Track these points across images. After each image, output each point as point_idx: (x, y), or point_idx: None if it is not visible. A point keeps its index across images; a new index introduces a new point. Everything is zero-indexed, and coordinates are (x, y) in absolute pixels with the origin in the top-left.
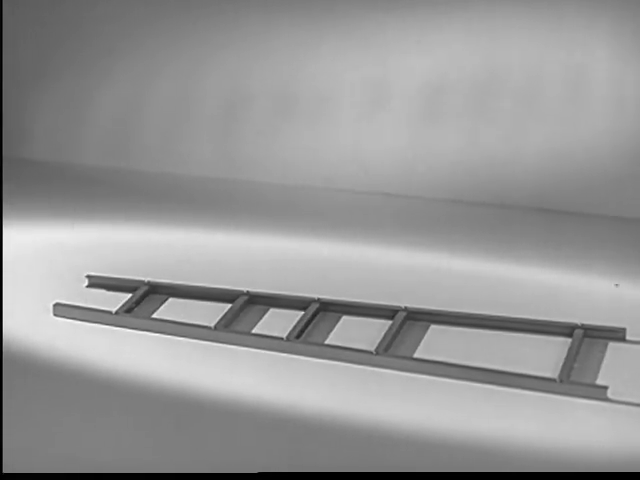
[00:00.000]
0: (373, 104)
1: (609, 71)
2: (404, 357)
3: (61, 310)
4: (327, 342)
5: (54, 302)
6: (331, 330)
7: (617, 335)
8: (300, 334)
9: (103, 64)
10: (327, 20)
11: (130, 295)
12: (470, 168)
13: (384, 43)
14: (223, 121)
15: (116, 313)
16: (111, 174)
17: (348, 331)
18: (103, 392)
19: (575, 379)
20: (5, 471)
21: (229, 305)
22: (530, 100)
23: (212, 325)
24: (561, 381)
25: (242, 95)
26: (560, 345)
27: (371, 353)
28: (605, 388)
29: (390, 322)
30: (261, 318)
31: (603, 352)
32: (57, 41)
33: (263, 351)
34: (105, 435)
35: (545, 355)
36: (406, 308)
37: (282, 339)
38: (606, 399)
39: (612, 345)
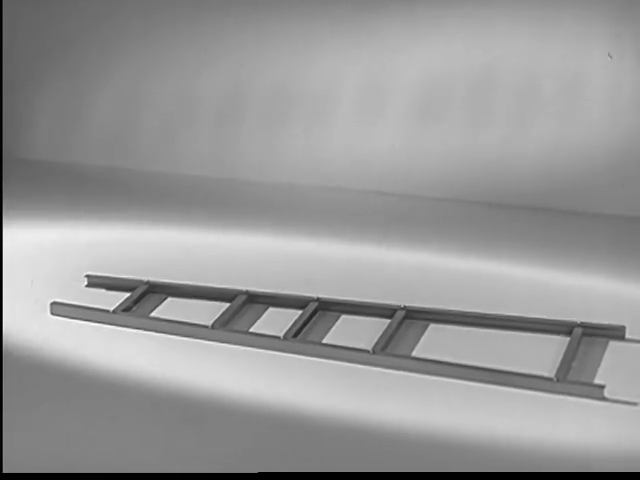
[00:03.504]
0: (371, 104)
1: (607, 72)
2: (402, 356)
3: (58, 309)
4: (325, 341)
5: (51, 301)
6: (329, 329)
7: (616, 333)
8: (297, 333)
9: (102, 66)
10: (325, 20)
11: (129, 294)
12: (468, 168)
13: (382, 43)
14: (222, 121)
15: (114, 312)
16: (111, 174)
17: (347, 330)
18: (102, 392)
19: (572, 378)
20: (5, 471)
21: (228, 304)
22: (528, 100)
23: (209, 324)
24: (558, 380)
25: (241, 95)
26: (560, 344)
27: (368, 352)
28: (602, 387)
29: (389, 321)
30: (260, 317)
31: (602, 351)
32: (57, 42)
33: (260, 350)
34: (104, 435)
35: (544, 354)
36: (405, 307)
37: (279, 338)
38: (603, 398)
39: (612, 344)
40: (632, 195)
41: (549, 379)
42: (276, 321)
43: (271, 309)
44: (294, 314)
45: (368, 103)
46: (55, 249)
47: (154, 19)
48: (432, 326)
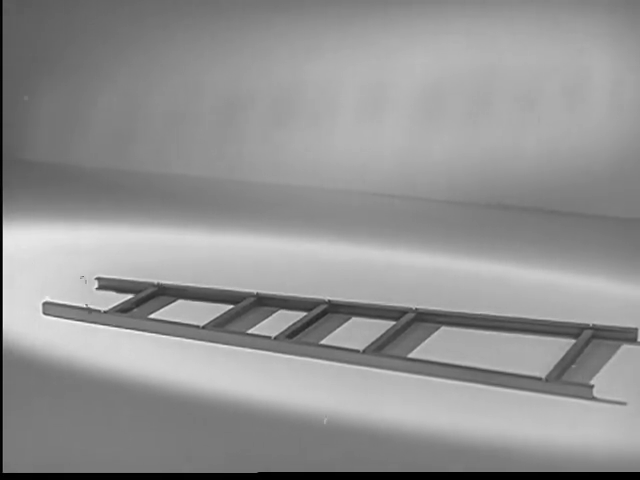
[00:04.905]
0: (372, 105)
1: (607, 73)
2: (392, 356)
3: (50, 309)
4: (324, 342)
5: (43, 301)
6: (333, 331)
7: (629, 336)
8: (295, 334)
9: (103, 67)
10: (327, 22)
11: (131, 296)
12: (470, 169)
13: (384, 45)
14: (223, 122)
15: (105, 312)
16: (112, 175)
17: (353, 332)
18: (100, 392)
19: (566, 379)
20: (5, 471)
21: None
22: (529, 102)
23: (201, 324)
24: (547, 380)
25: (242, 96)
26: (570, 346)
27: (358, 352)
28: (591, 387)
29: (395, 323)
30: (266, 319)
31: (611, 353)
32: (57, 44)
33: (255, 351)
34: (104, 435)
35: (553, 356)
36: (416, 309)
37: (270, 338)
38: (592, 398)
39: (624, 347)
40: (634, 196)
41: (539, 379)
42: (281, 323)
43: (281, 311)
44: (303, 317)
45: (370, 105)
46: (55, 250)
47: (155, 22)
48: (443, 328)
